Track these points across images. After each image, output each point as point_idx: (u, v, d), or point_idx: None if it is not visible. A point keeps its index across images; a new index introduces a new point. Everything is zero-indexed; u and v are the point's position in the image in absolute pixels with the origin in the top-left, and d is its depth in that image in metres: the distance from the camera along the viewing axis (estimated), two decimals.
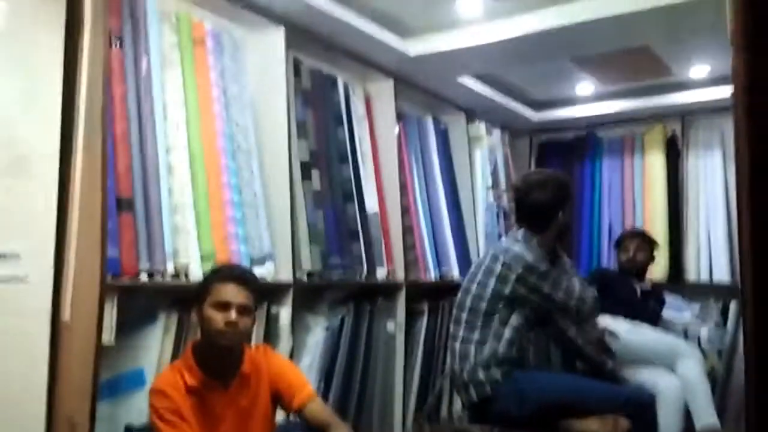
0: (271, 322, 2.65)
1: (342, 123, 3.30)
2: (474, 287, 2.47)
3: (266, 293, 2.52)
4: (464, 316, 2.47)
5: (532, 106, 4.60)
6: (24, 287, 1.96)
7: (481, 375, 2.38)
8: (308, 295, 2.97)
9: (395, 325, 3.38)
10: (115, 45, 2.29)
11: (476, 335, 2.41)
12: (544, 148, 4.98)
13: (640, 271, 3.67)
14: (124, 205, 2.17)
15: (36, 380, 1.97)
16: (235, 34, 2.83)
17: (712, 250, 4.18)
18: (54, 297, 2.00)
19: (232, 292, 1.96)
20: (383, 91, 3.58)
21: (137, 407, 2.15)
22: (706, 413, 2.98)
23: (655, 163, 4.43)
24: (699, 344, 3.65)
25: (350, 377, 3.03)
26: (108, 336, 2.02)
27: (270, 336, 2.64)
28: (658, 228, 4.25)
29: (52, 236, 2.03)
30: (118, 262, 2.11)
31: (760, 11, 0.88)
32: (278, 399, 2.09)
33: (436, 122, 4.13)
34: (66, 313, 1.99)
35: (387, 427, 3.31)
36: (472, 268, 2.60)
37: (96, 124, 2.07)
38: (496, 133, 4.57)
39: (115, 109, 2.23)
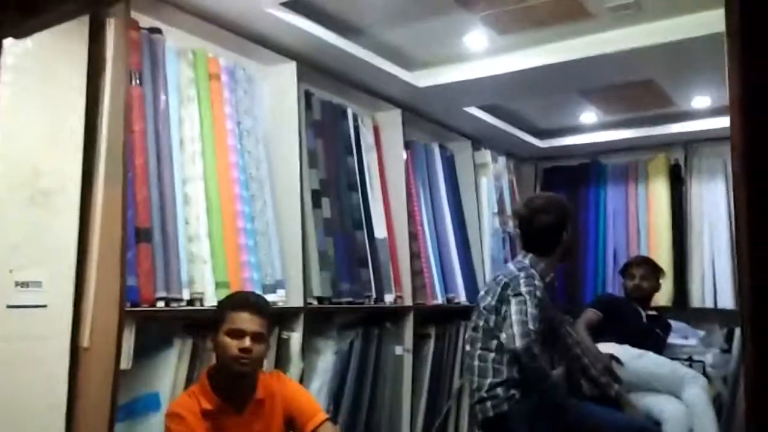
0: (282, 347, 2.72)
1: (351, 152, 3.40)
2: (485, 311, 2.55)
3: (278, 318, 2.59)
4: (479, 336, 2.54)
5: (537, 135, 4.69)
6: (45, 313, 2.05)
7: (500, 392, 2.44)
8: (318, 320, 3.05)
9: (403, 349, 3.45)
10: (135, 81, 2.40)
11: (492, 355, 2.46)
12: (550, 174, 5.07)
13: (646, 298, 3.71)
14: (142, 235, 2.26)
15: (56, 402, 2.05)
16: (248, 68, 2.93)
17: (716, 276, 4.22)
18: (74, 323, 2.09)
19: (246, 320, 2.04)
20: (391, 121, 3.68)
21: (153, 429, 2.22)
22: None
23: (659, 190, 4.50)
24: (704, 370, 3.67)
25: (359, 400, 3.10)
26: (126, 361, 2.10)
27: (281, 360, 2.71)
28: (662, 254, 4.30)
29: (73, 265, 2.13)
30: (136, 291, 2.19)
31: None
32: (291, 423, 2.16)
33: (443, 150, 4.23)
34: (85, 339, 2.08)
35: None
36: (482, 292, 2.67)
37: (117, 158, 2.18)
38: (502, 160, 4.67)
39: (134, 142, 2.32)
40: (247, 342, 2.02)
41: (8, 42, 2.11)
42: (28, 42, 2.12)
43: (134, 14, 2.36)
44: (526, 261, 2.59)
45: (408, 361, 3.44)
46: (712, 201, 4.33)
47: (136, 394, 2.25)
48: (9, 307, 1.93)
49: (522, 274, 2.50)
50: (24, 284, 1.97)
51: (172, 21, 2.59)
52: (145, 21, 2.51)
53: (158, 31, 2.54)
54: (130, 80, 2.35)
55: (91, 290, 2.09)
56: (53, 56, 2.17)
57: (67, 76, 2.21)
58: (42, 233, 2.06)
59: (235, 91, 2.82)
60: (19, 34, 2.12)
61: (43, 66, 2.15)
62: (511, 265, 2.68)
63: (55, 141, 2.15)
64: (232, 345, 2.02)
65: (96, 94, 2.25)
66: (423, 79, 3.46)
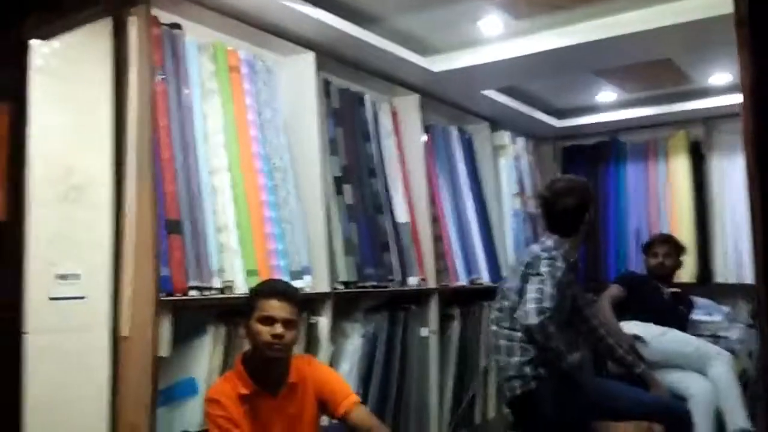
0: (311, 331, 2.78)
1: (371, 138, 3.44)
2: (509, 291, 2.59)
3: (306, 304, 2.65)
4: (504, 316, 2.58)
5: (555, 115, 4.69)
6: (84, 305, 2.14)
7: (527, 370, 2.49)
8: (345, 304, 3.10)
9: (429, 331, 3.50)
10: (159, 77, 2.45)
11: (518, 334, 2.51)
12: (569, 153, 5.07)
13: (668, 276, 3.72)
14: (172, 226, 2.33)
15: (97, 390, 2.14)
16: (267, 59, 2.98)
17: (739, 251, 4.22)
18: (112, 313, 2.17)
19: (276, 307, 2.10)
20: (409, 106, 3.71)
21: (191, 413, 2.31)
22: (738, 416, 2.99)
23: (680, 167, 4.50)
24: (729, 346, 3.67)
25: (387, 382, 3.16)
26: (164, 348, 2.17)
27: (310, 344, 2.77)
28: (684, 231, 4.30)
29: (108, 258, 2.21)
30: (169, 280, 2.26)
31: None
32: (323, 406, 2.23)
33: (461, 133, 4.25)
34: (124, 329, 2.16)
35: (423, 430, 3.42)
36: (507, 272, 2.71)
37: (145, 152, 2.25)
38: (520, 141, 4.68)
39: (160, 137, 2.38)
40: (278, 328, 2.08)
41: (36, 43, 2.18)
42: (55, 43, 2.19)
43: (154, 11, 2.41)
44: (550, 242, 2.63)
45: (434, 342, 3.50)
46: (734, 176, 4.32)
47: (173, 380, 2.33)
48: (51, 299, 2.01)
49: (544, 255, 2.53)
50: (63, 277, 2.05)
51: (191, 16, 2.64)
52: (165, 17, 2.55)
53: (178, 26, 2.59)
54: (154, 75, 2.40)
55: (127, 281, 2.16)
56: (79, 55, 2.24)
57: (93, 74, 2.28)
58: (77, 228, 2.14)
59: (255, 83, 2.87)
60: (45, 36, 2.19)
61: (70, 65, 2.21)
62: (534, 246, 2.71)
63: (85, 138, 2.22)
64: (264, 331, 2.08)
65: (121, 91, 2.32)
66: (439, 63, 3.48)
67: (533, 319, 2.37)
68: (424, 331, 3.48)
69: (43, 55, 2.15)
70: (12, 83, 2.06)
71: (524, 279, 2.52)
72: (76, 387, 2.08)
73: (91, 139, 2.23)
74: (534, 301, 2.40)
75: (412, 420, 3.36)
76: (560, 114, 4.71)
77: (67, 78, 2.19)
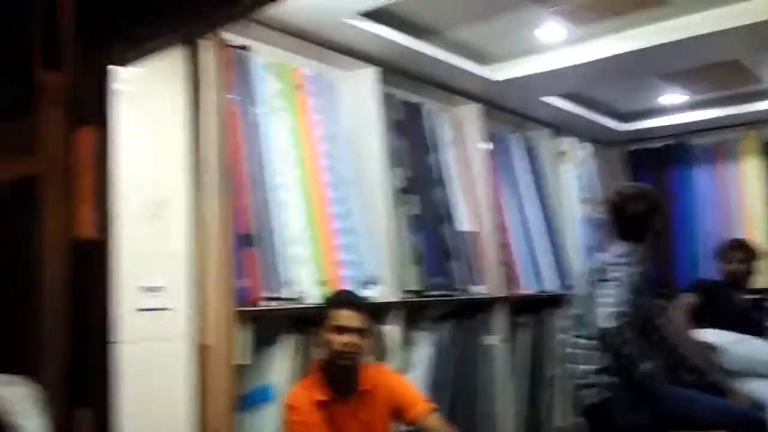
0: (381, 340, 2.84)
1: (433, 148, 3.49)
2: (581, 298, 2.58)
3: (374, 313, 2.71)
4: (577, 324, 2.57)
5: (619, 118, 4.63)
6: (168, 316, 2.25)
7: (604, 378, 2.47)
8: (412, 314, 3.15)
9: (496, 339, 3.51)
10: (230, 97, 2.56)
11: (593, 342, 2.49)
12: (635, 157, 4.99)
13: (743, 282, 3.61)
14: (247, 240, 2.43)
15: (182, 396, 2.25)
16: (330, 75, 3.07)
17: None
18: (194, 323, 2.28)
19: (348, 317, 2.17)
20: (470, 115, 3.74)
21: (268, 419, 2.39)
22: None
23: (751, 169, 4.37)
24: None
25: (455, 390, 3.18)
26: (243, 356, 2.27)
27: (380, 353, 2.82)
28: (758, 235, 4.17)
29: (188, 270, 2.32)
30: (245, 291, 2.36)
31: None
32: (396, 412, 2.28)
33: (524, 140, 4.25)
34: (205, 337, 2.26)
35: None
36: (578, 279, 2.71)
37: (220, 170, 2.35)
38: (584, 146, 4.64)
39: (234, 153, 2.49)
40: (350, 337, 2.15)
41: (118, 70, 2.32)
42: (135, 68, 2.32)
43: (224, 34, 2.53)
44: (622, 249, 2.61)
45: (502, 350, 3.50)
46: None
47: (252, 387, 2.43)
48: (138, 310, 2.13)
49: (619, 261, 2.51)
50: (149, 289, 2.17)
51: (257, 37, 2.75)
52: (234, 40, 2.67)
53: (246, 48, 2.70)
54: (226, 96, 2.51)
55: (206, 293, 2.27)
56: (157, 79, 2.36)
57: (170, 96, 2.40)
58: (159, 242, 2.26)
59: (319, 99, 2.96)
60: (126, 63, 2.33)
61: (149, 89, 2.33)
62: (607, 253, 2.70)
63: (165, 157, 2.34)
64: (337, 340, 2.16)
65: (196, 112, 2.43)
66: (499, 72, 3.51)
67: (610, 323, 2.35)
68: (491, 340, 3.49)
69: (124, 80, 2.27)
70: (98, 108, 2.18)
71: (596, 286, 2.50)
72: (164, 393, 2.19)
73: (170, 159, 2.35)
74: (610, 306, 2.38)
75: (481, 428, 3.36)
76: (624, 117, 4.65)
77: (147, 101, 2.31)
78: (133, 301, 2.14)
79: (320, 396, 2.17)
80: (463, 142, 3.73)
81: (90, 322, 2.14)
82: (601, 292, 2.44)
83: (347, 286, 2.68)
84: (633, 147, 4.99)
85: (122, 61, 2.33)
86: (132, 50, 2.29)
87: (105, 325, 2.11)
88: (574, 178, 4.44)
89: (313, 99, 2.93)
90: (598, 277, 2.52)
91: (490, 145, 3.88)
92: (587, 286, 2.56)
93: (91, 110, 2.26)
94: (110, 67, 2.27)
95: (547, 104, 4.00)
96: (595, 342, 2.48)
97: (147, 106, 2.31)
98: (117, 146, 2.21)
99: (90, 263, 2.19)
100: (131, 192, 2.20)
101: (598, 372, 2.47)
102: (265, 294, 2.43)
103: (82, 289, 2.17)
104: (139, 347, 2.13)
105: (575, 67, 3.29)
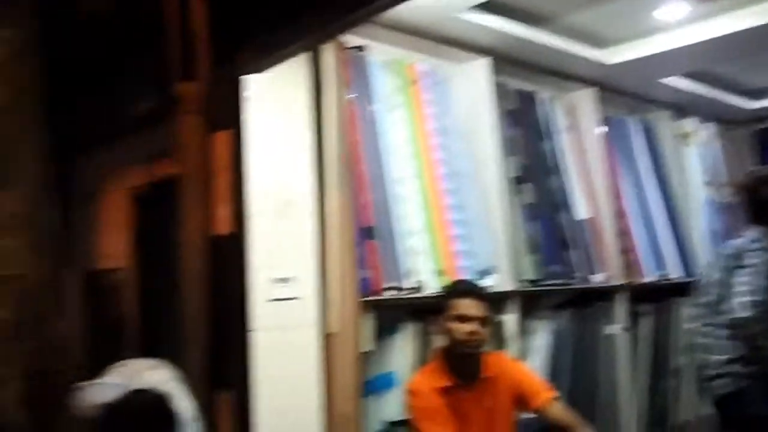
0: (499, 329, 2.88)
1: (548, 136, 3.46)
2: (711, 286, 2.51)
3: (492, 302, 2.75)
4: (707, 312, 2.51)
5: (747, 95, 4.37)
6: (297, 305, 2.40)
7: (738, 368, 2.40)
8: (529, 303, 3.16)
9: (616, 328, 3.45)
10: (350, 96, 2.68)
11: (725, 331, 2.42)
12: (763, 136, 4.69)
13: None
14: (368, 233, 2.55)
15: (310, 381, 2.40)
16: (443, 69, 3.12)
17: None
18: (321, 312, 2.42)
19: (470, 306, 2.23)
20: (585, 100, 3.67)
21: (391, 404, 2.51)
22: None
23: None
24: None
25: (576, 379, 3.17)
26: (366, 344, 2.39)
27: (498, 341, 2.87)
28: None
29: (315, 262, 2.46)
30: (368, 282, 2.48)
31: None
32: (519, 400, 2.32)
33: (642, 123, 4.12)
34: (332, 326, 2.40)
35: (615, 427, 3.37)
36: (707, 266, 2.62)
37: (343, 167, 2.48)
38: (708, 126, 4.42)
39: (354, 151, 2.61)
40: (472, 326, 2.21)
41: (248, 77, 2.50)
42: (262, 74, 2.48)
43: (341, 36, 2.64)
44: (756, 233, 2.50)
45: (622, 340, 3.44)
46: None
47: (375, 373, 2.55)
48: (269, 300, 2.29)
49: (753, 246, 2.42)
50: (280, 280, 2.33)
51: (372, 36, 2.84)
52: (351, 40, 2.78)
53: (362, 48, 2.81)
54: (346, 96, 2.63)
55: (332, 283, 2.40)
56: (282, 83, 2.51)
57: (295, 98, 2.55)
58: (289, 236, 2.41)
59: (433, 93, 3.02)
60: (256, 70, 2.50)
61: (275, 92, 2.49)
62: (739, 238, 2.60)
63: (292, 157, 2.49)
64: (459, 329, 2.22)
65: (319, 112, 2.57)
66: (614, 55, 3.43)
67: (745, 312, 2.27)
68: (611, 329, 3.43)
69: (253, 86, 2.45)
70: (231, 114, 2.37)
71: (729, 272, 2.42)
72: (294, 378, 2.35)
73: (297, 159, 2.50)
74: (747, 294, 2.30)
75: (602, 418, 3.33)
76: (754, 94, 4.38)
77: (274, 105, 2.47)
78: (265, 291, 2.30)
79: (442, 382, 2.25)
80: (577, 128, 3.67)
81: (227, 311, 2.34)
82: (737, 280, 2.36)
83: (464, 276, 2.74)
84: (761, 126, 4.69)
85: (252, 70, 2.52)
86: (261, 59, 2.47)
87: (242, 314, 2.31)
88: (698, 160, 4.25)
89: (426, 93, 2.99)
90: (734, 263, 2.43)
91: (606, 129, 3.79)
92: (721, 273, 2.47)
93: (225, 117, 2.46)
94: (242, 75, 2.45)
95: (666, 85, 3.85)
96: (726, 331, 2.40)
97: (274, 109, 2.46)
98: (249, 149, 2.42)
99: (226, 257, 2.40)
100: (262, 191, 2.37)
101: (731, 362, 2.39)
102: (385, 284, 2.54)
103: (220, 281, 2.37)
104: (271, 335, 2.29)
105: (698, 44, 3.16)
